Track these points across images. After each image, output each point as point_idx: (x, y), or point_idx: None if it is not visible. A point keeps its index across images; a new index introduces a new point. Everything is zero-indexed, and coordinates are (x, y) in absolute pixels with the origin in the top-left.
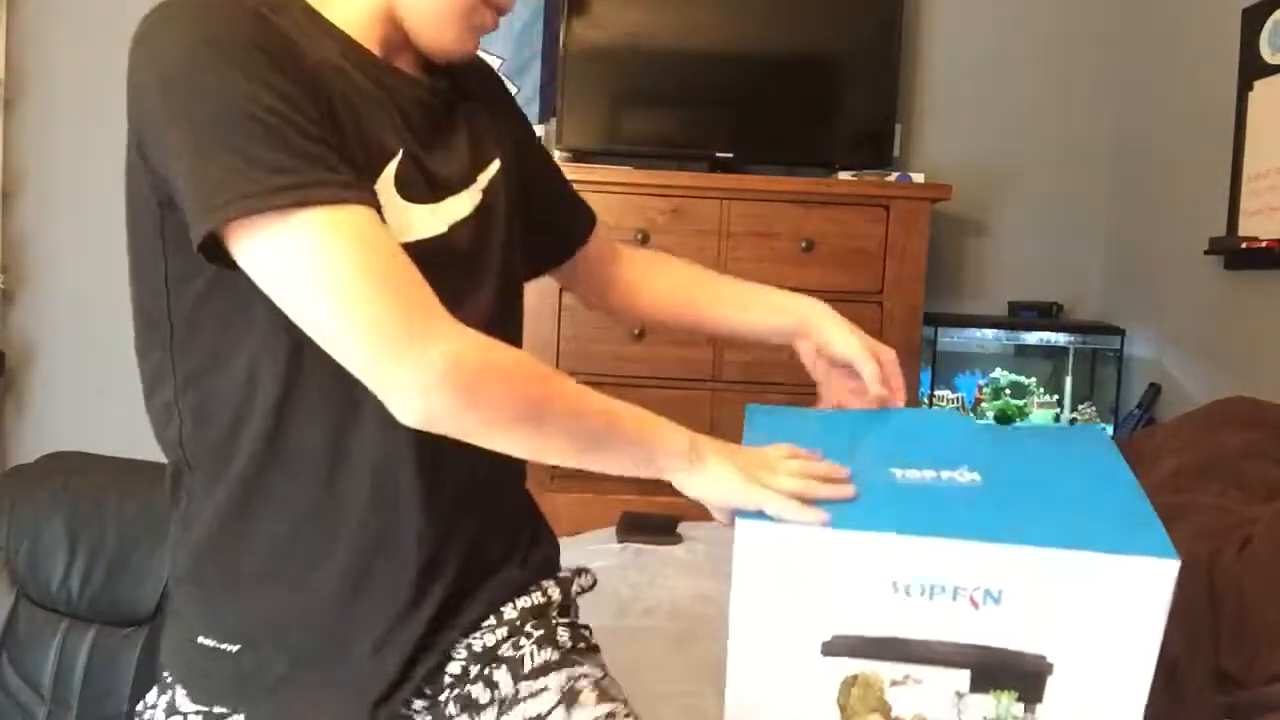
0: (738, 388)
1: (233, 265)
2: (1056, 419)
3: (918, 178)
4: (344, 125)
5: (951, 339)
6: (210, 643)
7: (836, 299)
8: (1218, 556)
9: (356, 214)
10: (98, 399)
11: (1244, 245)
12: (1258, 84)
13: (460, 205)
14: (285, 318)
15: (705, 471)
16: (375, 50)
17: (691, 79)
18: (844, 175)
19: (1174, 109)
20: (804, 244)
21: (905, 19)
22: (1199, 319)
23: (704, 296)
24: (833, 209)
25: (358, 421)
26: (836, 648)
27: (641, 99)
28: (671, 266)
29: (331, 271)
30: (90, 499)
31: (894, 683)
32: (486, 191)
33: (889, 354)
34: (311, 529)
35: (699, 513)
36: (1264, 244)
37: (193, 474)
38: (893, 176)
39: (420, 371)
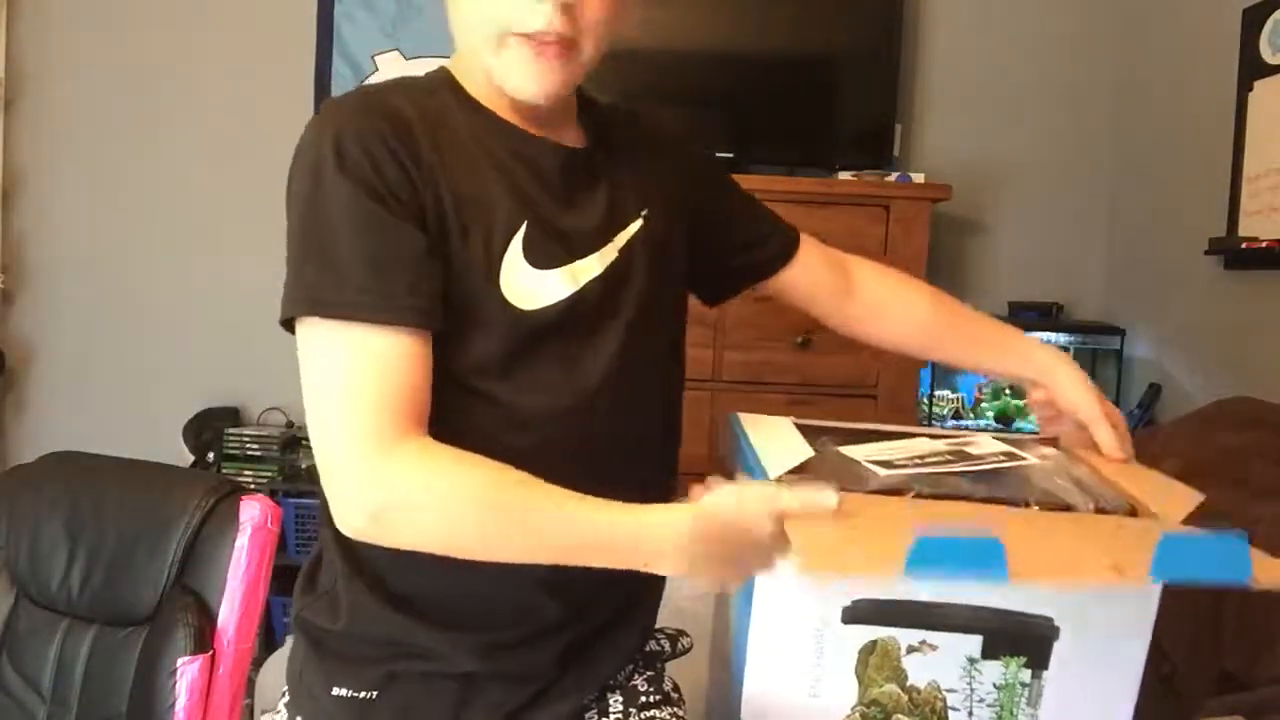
0: (738, 388)
1: None
2: None
3: (918, 178)
4: (463, 207)
5: None
6: (344, 692)
7: None
8: None
9: (378, 338)
10: (98, 399)
11: (1244, 245)
12: (1258, 84)
13: (591, 266)
14: None
15: (662, 571)
16: (514, 118)
17: (691, 79)
18: (844, 175)
19: (1174, 109)
20: None
21: (905, 19)
22: (1199, 319)
23: (955, 338)
24: (833, 209)
25: None
26: (858, 614)
27: (642, 99)
28: (918, 296)
29: (319, 384)
30: (90, 499)
31: (910, 649)
32: (623, 249)
33: (1119, 416)
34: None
35: None
36: (1264, 244)
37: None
38: (893, 176)
39: (350, 505)
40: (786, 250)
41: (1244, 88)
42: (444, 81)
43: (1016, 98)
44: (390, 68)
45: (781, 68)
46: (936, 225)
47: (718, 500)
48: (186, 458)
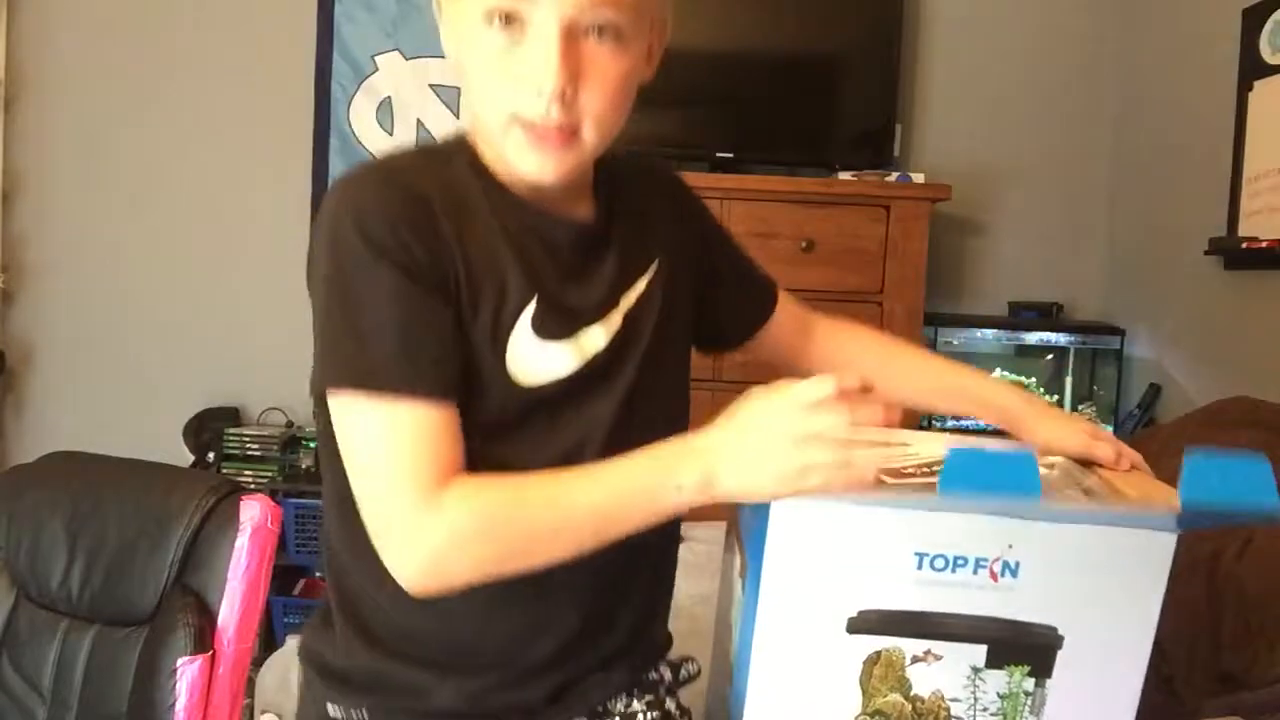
0: (738, 387)
1: None
2: None
3: (918, 178)
4: (477, 280)
5: (951, 339)
6: (338, 713)
7: (836, 299)
8: (1219, 557)
9: (408, 411)
10: (98, 399)
11: (1244, 245)
12: (1258, 84)
13: (597, 338)
14: None
15: (726, 490)
16: (527, 192)
17: (691, 79)
18: (844, 175)
19: (1174, 109)
20: (804, 244)
21: (905, 19)
22: (1199, 319)
23: (911, 385)
24: (833, 209)
25: None
26: (862, 624)
27: (642, 99)
28: (867, 344)
29: (358, 458)
30: (90, 499)
31: (915, 659)
32: (629, 313)
33: (1106, 437)
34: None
35: (700, 513)
36: (1264, 244)
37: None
38: (893, 176)
39: (407, 567)
40: (769, 305)
41: (1244, 88)
42: (461, 150)
43: (1017, 98)
44: (390, 68)
45: (781, 68)
46: (936, 225)
47: (742, 406)
48: (186, 458)
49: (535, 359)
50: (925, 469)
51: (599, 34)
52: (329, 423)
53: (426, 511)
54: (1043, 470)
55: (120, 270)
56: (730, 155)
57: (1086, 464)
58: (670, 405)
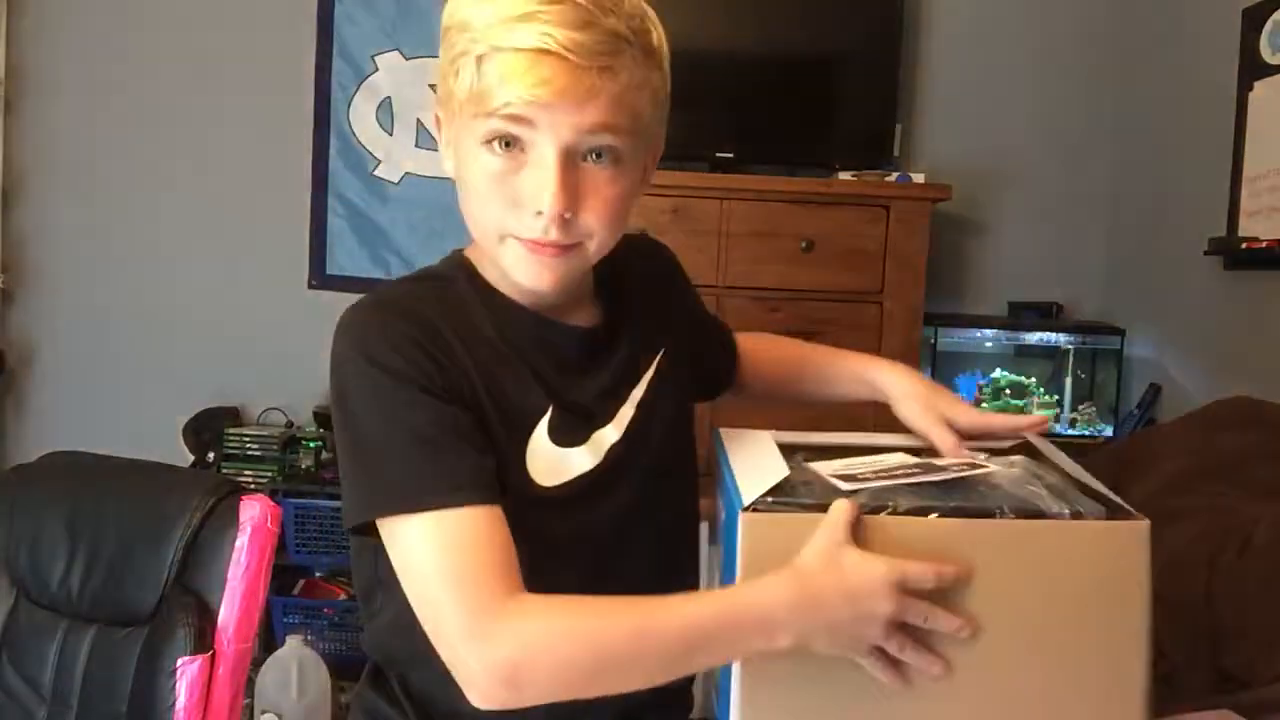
0: None
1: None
2: (1056, 419)
3: (918, 178)
4: (493, 398)
5: (951, 339)
6: None
7: (836, 299)
8: (1218, 557)
9: (454, 518)
10: (98, 399)
11: (1244, 245)
12: (1258, 84)
13: (610, 434)
14: None
15: (815, 650)
16: (530, 301)
17: (691, 79)
18: (844, 175)
19: (1174, 109)
20: (804, 244)
21: (905, 19)
22: (1199, 319)
23: (806, 379)
24: (833, 209)
25: None
26: None
27: None
28: (770, 348)
29: (416, 574)
30: (90, 499)
31: None
32: (640, 404)
33: (969, 418)
34: None
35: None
36: (1264, 244)
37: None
38: (893, 176)
39: (477, 676)
40: (733, 348)
41: (1244, 88)
42: (460, 269)
43: (1016, 98)
44: (390, 68)
45: (781, 68)
46: (936, 225)
47: (818, 556)
48: (186, 458)
49: (554, 464)
50: (884, 473)
51: (597, 157)
52: (367, 560)
53: (494, 626)
54: (1002, 467)
55: (120, 270)
56: (730, 155)
57: (1041, 458)
58: (688, 470)
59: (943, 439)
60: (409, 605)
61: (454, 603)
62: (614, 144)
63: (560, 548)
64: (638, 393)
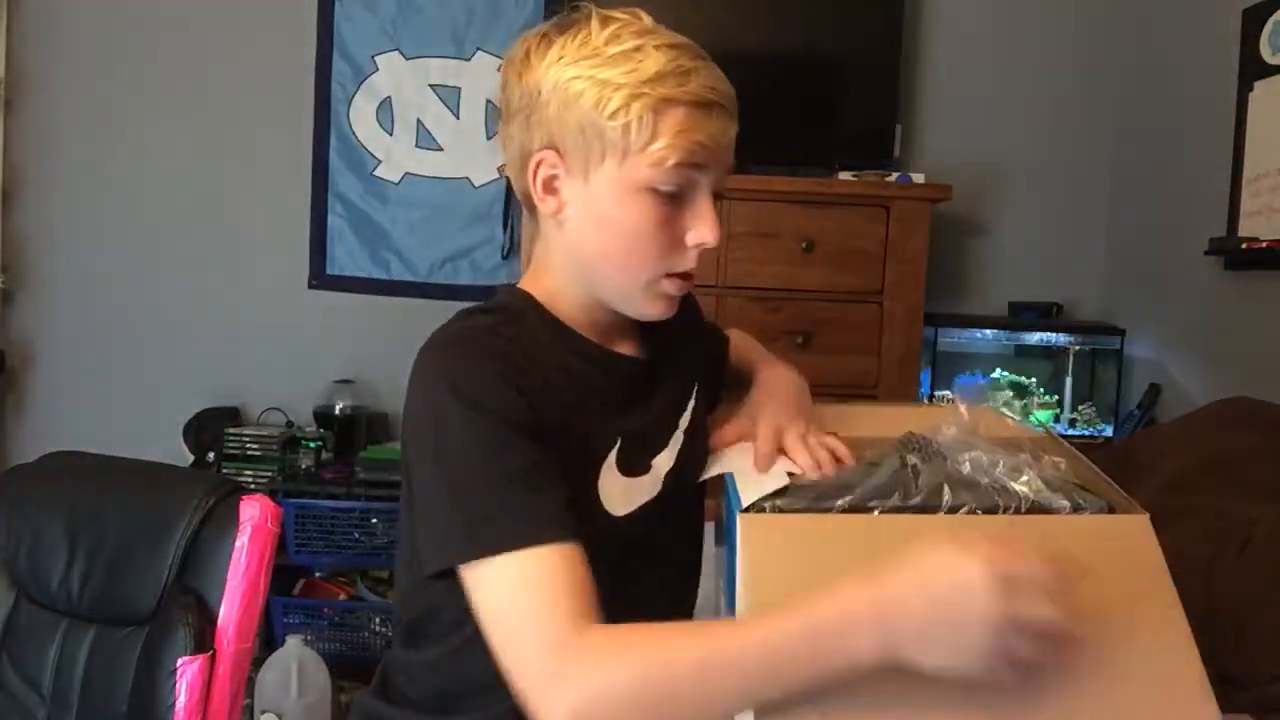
0: None
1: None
2: (1056, 419)
3: (918, 178)
4: (570, 430)
5: (951, 339)
6: None
7: (836, 299)
8: (1218, 557)
9: (531, 557)
10: (98, 399)
11: (1244, 245)
12: (1258, 84)
13: (665, 461)
14: None
15: (915, 666)
16: (595, 336)
17: None
18: (844, 175)
19: (1174, 109)
20: (804, 244)
21: (905, 19)
22: (1199, 319)
23: (734, 379)
24: (833, 209)
25: None
26: None
27: None
28: (739, 353)
29: (492, 614)
30: (90, 499)
31: None
32: (687, 431)
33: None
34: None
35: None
36: (1264, 244)
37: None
38: (893, 176)
39: (549, 714)
40: (725, 354)
41: (1244, 88)
42: (527, 302)
43: (1016, 98)
44: (390, 68)
45: (781, 68)
46: (936, 225)
47: (931, 562)
48: (186, 458)
49: (624, 493)
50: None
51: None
52: (423, 597)
53: (571, 660)
54: (1003, 459)
55: (120, 270)
56: None
57: (1040, 453)
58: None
59: (761, 445)
60: (455, 650)
61: (535, 639)
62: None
63: (631, 572)
64: (684, 420)
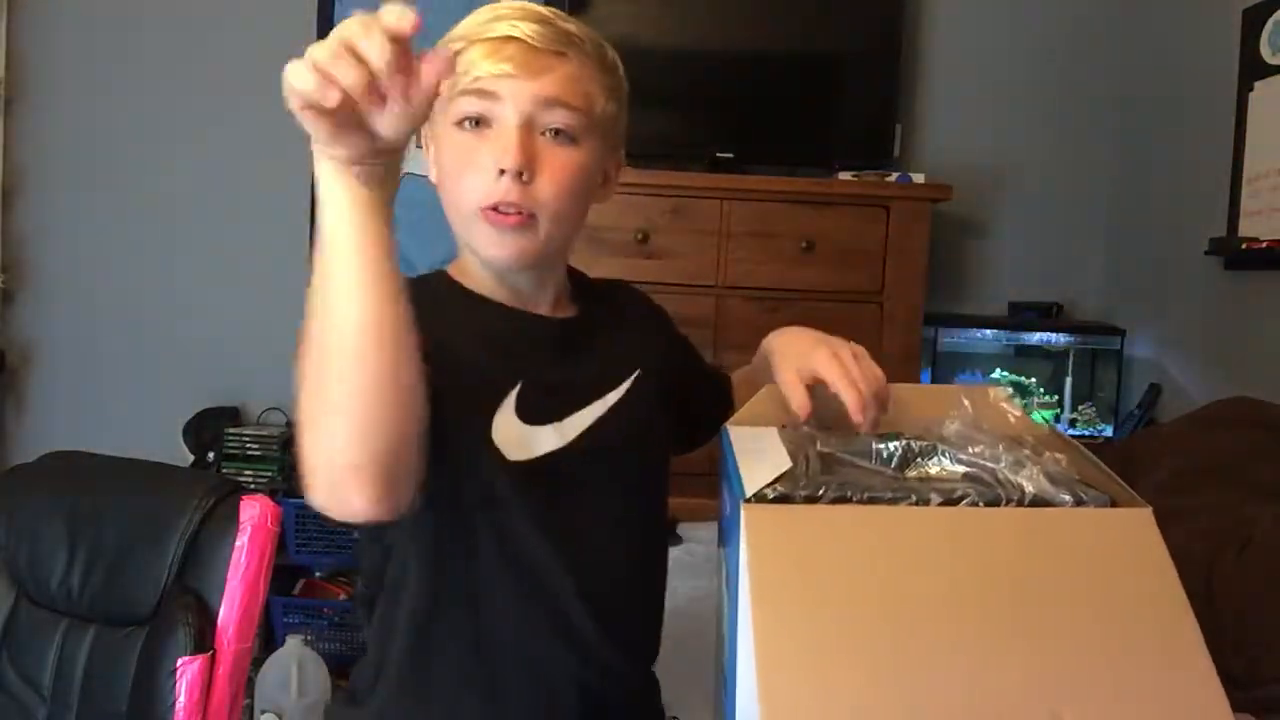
0: None
1: None
2: (1056, 419)
3: (918, 178)
4: (459, 373)
5: (951, 339)
6: None
7: (836, 299)
8: (1218, 558)
9: None
10: (98, 399)
11: (1244, 246)
12: (1258, 84)
13: (583, 418)
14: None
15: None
16: (507, 300)
17: (691, 79)
18: (844, 175)
19: (1174, 109)
20: (804, 244)
21: (905, 19)
22: (1199, 319)
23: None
24: (833, 209)
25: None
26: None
27: (641, 99)
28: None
29: None
30: (90, 499)
31: None
32: (615, 408)
33: (831, 373)
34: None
35: (697, 512)
36: (1264, 244)
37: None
38: (893, 176)
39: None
40: (728, 397)
41: (1244, 88)
42: (440, 276)
43: (1016, 98)
44: None
45: (781, 68)
46: (936, 225)
47: None
48: (186, 458)
49: (520, 439)
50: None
51: (555, 135)
52: (377, 554)
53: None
54: (1003, 451)
55: (120, 270)
56: (730, 155)
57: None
58: (658, 505)
59: (793, 396)
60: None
61: None
62: (568, 120)
63: (527, 517)
64: (613, 397)
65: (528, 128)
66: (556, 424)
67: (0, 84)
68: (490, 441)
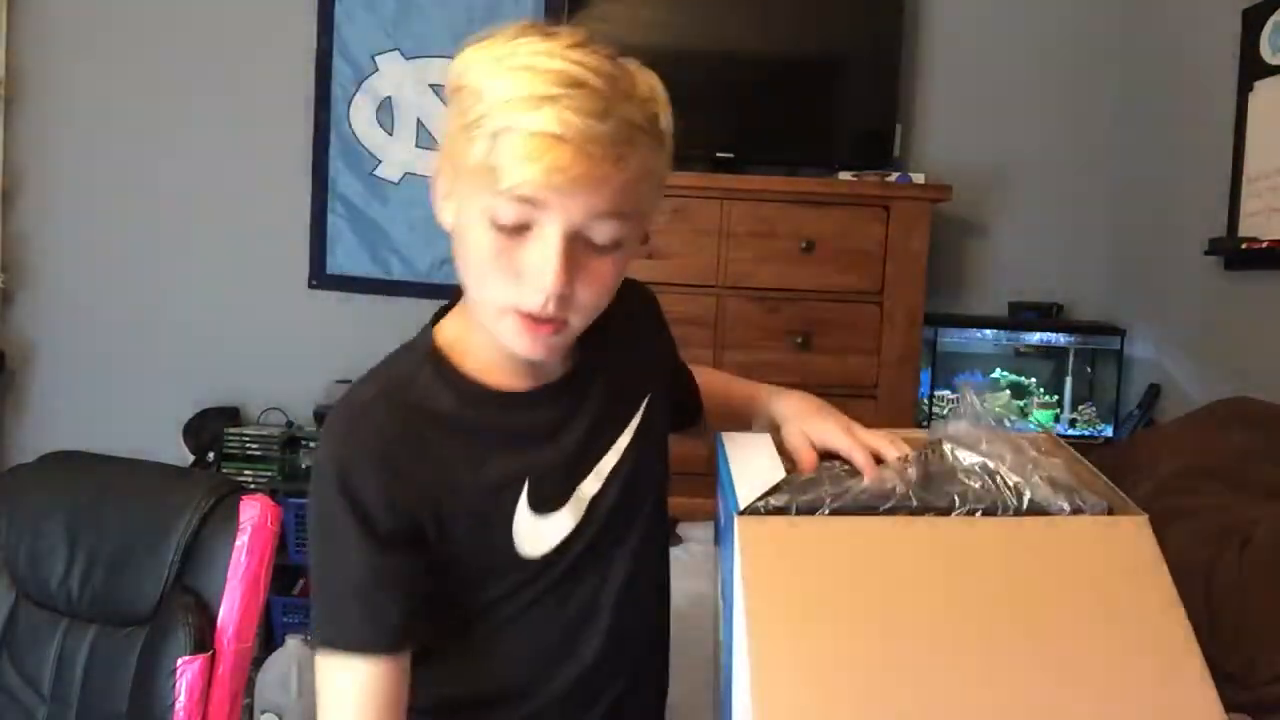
0: None
1: None
2: (1056, 419)
3: (918, 178)
4: (474, 485)
5: (951, 339)
6: None
7: (836, 299)
8: (1218, 557)
9: (351, 664)
10: (98, 399)
11: (1244, 246)
12: (1258, 84)
13: (590, 487)
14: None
15: None
16: (512, 375)
17: (692, 79)
18: (844, 175)
19: (1174, 109)
20: (804, 244)
21: (906, 20)
22: (1199, 319)
23: (724, 412)
24: (833, 209)
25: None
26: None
27: None
28: (706, 384)
29: (325, 707)
30: (90, 499)
31: None
32: (625, 452)
33: (837, 442)
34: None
35: (694, 512)
36: (1264, 244)
37: None
38: (893, 177)
39: None
40: (694, 384)
41: (1244, 88)
42: (428, 358)
43: (1016, 98)
44: (390, 68)
45: (781, 68)
46: (936, 225)
47: None
48: (186, 458)
49: (535, 533)
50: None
51: (600, 244)
52: None
53: None
54: (1006, 452)
55: (120, 270)
56: (730, 155)
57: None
58: (661, 495)
59: (803, 457)
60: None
61: None
62: (619, 233)
63: (547, 595)
64: (623, 440)
65: (571, 239)
66: (569, 504)
67: (0, 84)
68: (512, 546)
